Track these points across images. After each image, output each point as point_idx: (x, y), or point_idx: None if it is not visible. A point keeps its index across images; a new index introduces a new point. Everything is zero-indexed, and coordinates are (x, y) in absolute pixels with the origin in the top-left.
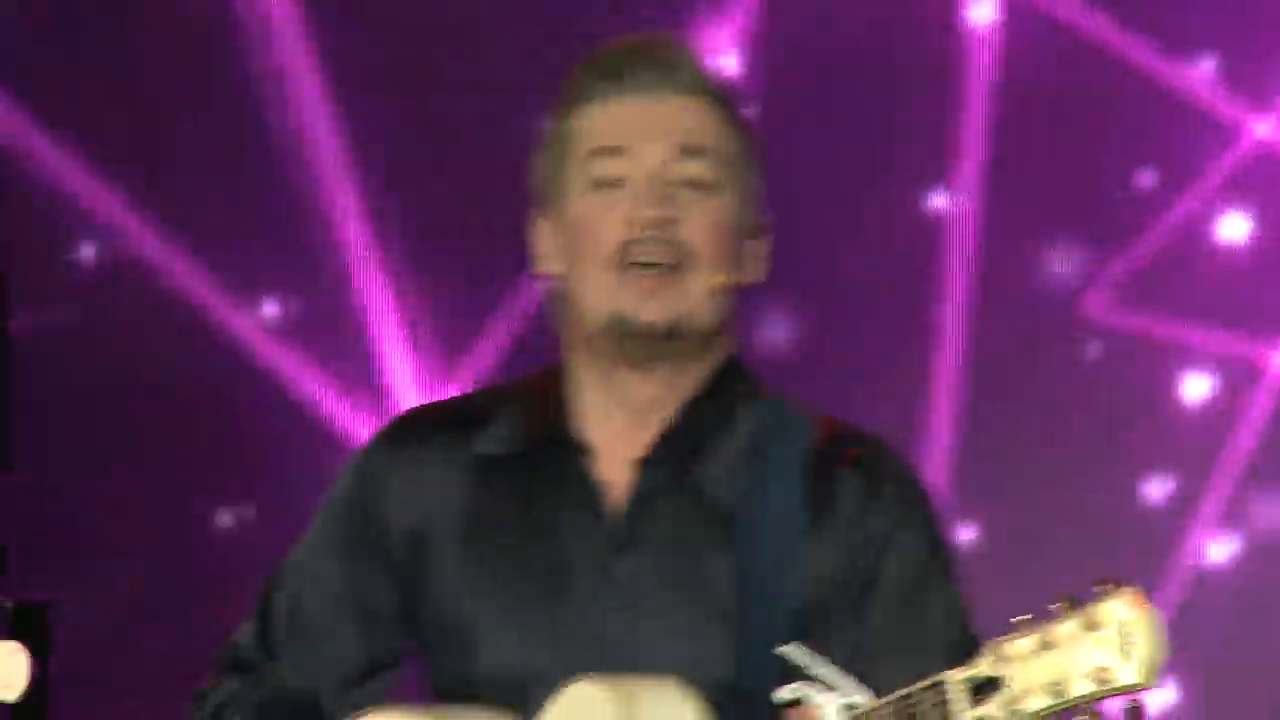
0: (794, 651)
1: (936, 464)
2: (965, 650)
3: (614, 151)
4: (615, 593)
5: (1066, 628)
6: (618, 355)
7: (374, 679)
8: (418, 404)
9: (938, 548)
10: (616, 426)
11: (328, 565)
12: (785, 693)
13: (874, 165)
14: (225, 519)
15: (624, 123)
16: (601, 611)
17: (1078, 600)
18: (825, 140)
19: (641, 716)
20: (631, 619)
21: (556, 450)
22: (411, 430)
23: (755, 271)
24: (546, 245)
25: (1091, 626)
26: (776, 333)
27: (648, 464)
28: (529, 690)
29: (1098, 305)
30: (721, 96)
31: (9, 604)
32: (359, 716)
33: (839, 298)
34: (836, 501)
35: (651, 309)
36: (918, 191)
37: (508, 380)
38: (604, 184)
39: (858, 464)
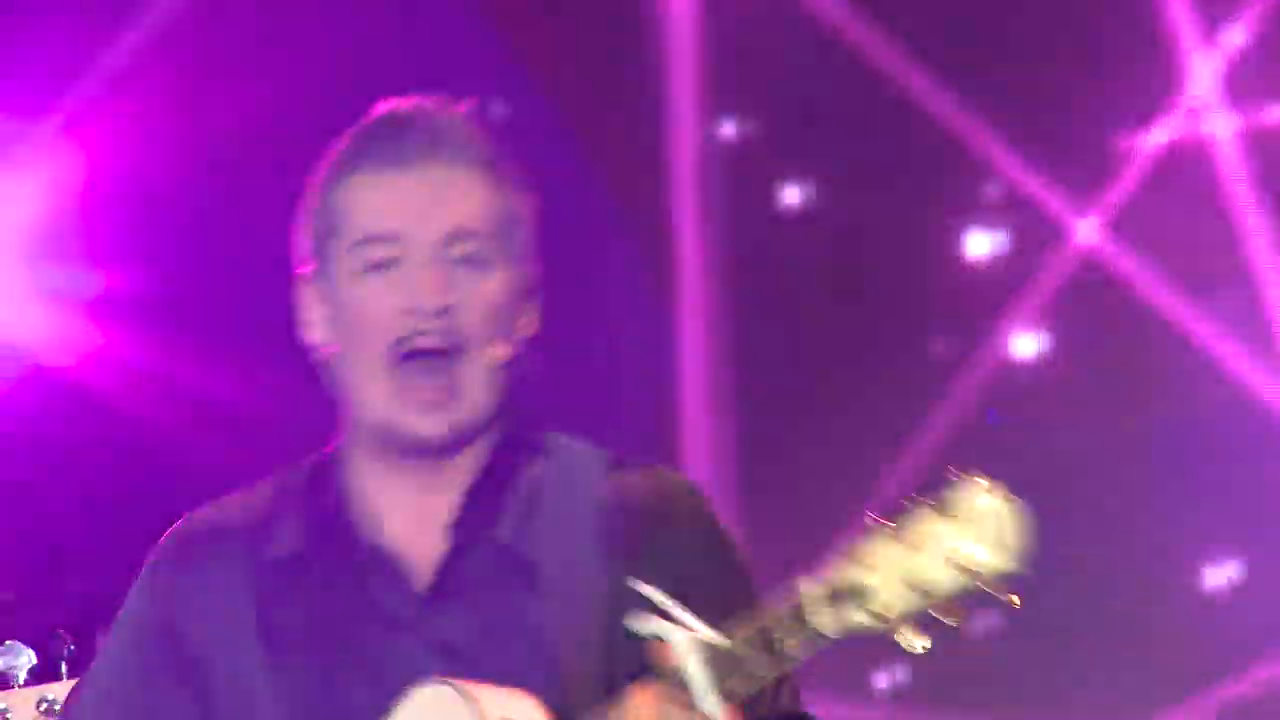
0: (651, 592)
1: None
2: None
3: (385, 235)
4: (433, 651)
5: (920, 522)
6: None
7: None
8: (195, 512)
9: (731, 558)
10: (403, 499)
11: (134, 696)
12: (639, 625)
13: None
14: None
15: (394, 204)
16: (424, 672)
17: (930, 493)
18: None
19: (491, 713)
20: (454, 673)
21: (345, 535)
22: (191, 543)
23: (528, 329)
24: (313, 312)
25: (948, 517)
26: None
27: (454, 528)
28: None
29: None
30: (493, 161)
31: None
32: None
33: None
34: (629, 529)
35: (429, 424)
36: None
37: (287, 469)
38: (376, 266)
39: (645, 493)
